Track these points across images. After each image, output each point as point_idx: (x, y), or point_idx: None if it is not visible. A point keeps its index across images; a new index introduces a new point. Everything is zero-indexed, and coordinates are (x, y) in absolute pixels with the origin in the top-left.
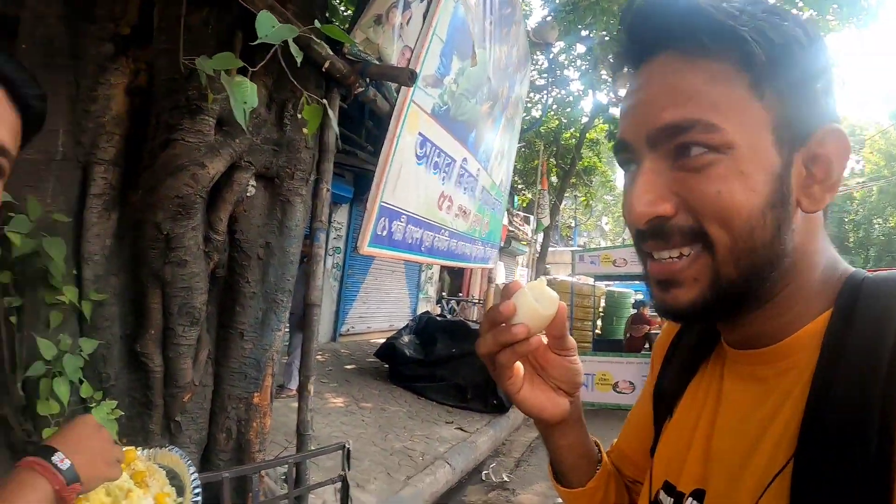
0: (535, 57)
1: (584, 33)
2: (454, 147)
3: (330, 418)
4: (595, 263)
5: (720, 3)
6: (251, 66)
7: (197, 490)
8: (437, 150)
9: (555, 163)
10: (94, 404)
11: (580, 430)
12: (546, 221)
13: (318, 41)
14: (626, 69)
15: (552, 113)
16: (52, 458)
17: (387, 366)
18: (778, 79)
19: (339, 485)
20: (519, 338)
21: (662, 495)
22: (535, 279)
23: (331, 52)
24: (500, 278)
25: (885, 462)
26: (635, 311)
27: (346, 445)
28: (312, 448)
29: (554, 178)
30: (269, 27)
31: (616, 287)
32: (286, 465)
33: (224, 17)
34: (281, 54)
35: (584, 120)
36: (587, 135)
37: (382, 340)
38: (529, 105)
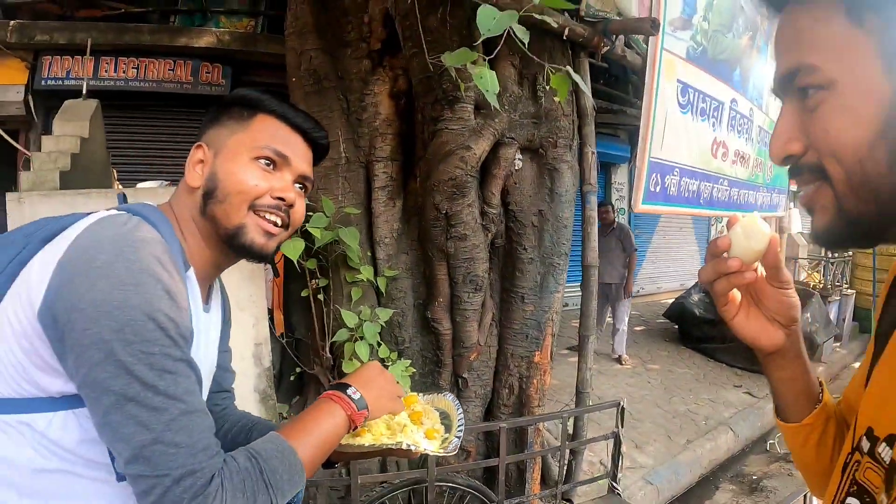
0: None
1: None
2: (719, 89)
3: (616, 379)
4: None
5: None
6: (489, 55)
7: (461, 430)
8: (701, 95)
9: None
10: (390, 363)
11: (799, 364)
12: None
13: (549, 12)
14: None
15: None
16: (347, 391)
17: (676, 327)
18: (878, 2)
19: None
20: (732, 269)
21: (864, 441)
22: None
23: (568, 19)
24: (796, 227)
25: None
26: None
27: (621, 403)
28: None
29: None
30: (490, 20)
31: None
32: (561, 419)
33: (456, 13)
34: (514, 35)
35: None
36: None
37: (672, 300)
38: None
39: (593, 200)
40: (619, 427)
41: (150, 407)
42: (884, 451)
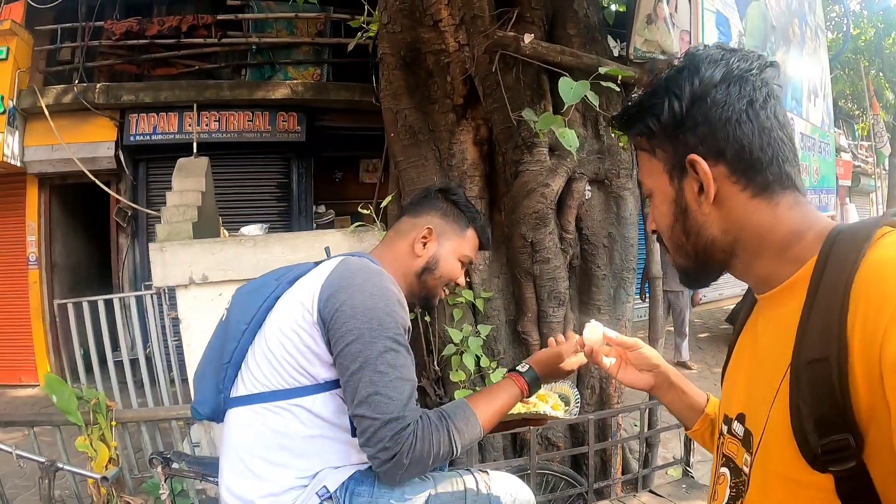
0: None
1: None
2: None
3: None
4: None
5: (630, 102)
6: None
7: (577, 403)
8: None
9: (884, 78)
10: (490, 371)
11: (674, 391)
12: (886, 150)
13: (608, 65)
14: None
15: (864, 21)
16: (527, 375)
17: None
18: (656, 140)
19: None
20: (588, 355)
21: (723, 426)
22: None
23: (620, 65)
24: (854, 219)
25: (843, 369)
26: None
27: None
28: None
29: (890, 96)
30: (568, 90)
31: None
32: (639, 410)
33: (528, 71)
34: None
35: None
36: None
37: (733, 306)
38: (834, 20)
39: None
40: None
41: (378, 371)
42: (737, 427)
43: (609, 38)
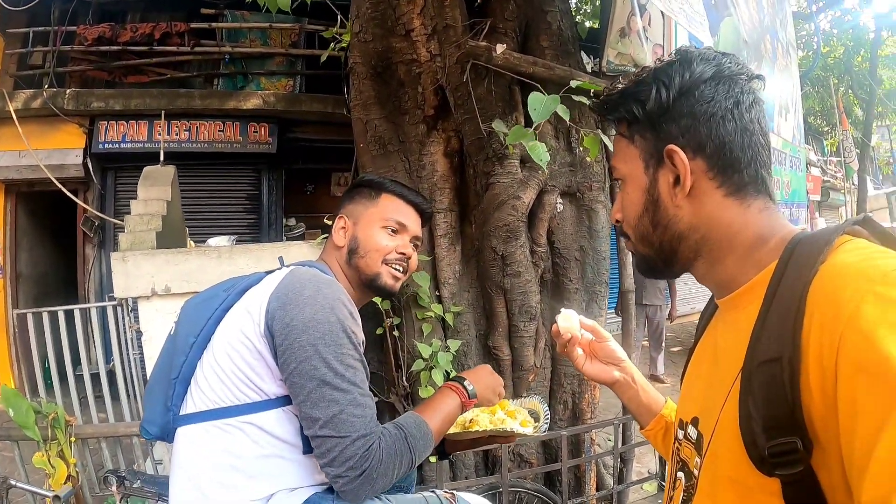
0: None
1: None
2: None
3: None
4: None
5: (616, 87)
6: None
7: (547, 419)
8: None
9: (853, 95)
10: None
11: (634, 389)
12: (855, 165)
13: (581, 78)
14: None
15: (834, 40)
16: (464, 383)
17: None
18: (638, 126)
19: None
20: (565, 341)
21: (678, 431)
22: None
23: (594, 78)
24: None
25: (795, 370)
26: None
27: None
28: None
29: (859, 112)
30: (538, 105)
31: None
32: (613, 426)
33: (500, 82)
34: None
35: (871, 36)
36: (879, 52)
37: None
38: (805, 38)
39: None
40: None
41: (340, 389)
42: (691, 431)
43: (582, 53)
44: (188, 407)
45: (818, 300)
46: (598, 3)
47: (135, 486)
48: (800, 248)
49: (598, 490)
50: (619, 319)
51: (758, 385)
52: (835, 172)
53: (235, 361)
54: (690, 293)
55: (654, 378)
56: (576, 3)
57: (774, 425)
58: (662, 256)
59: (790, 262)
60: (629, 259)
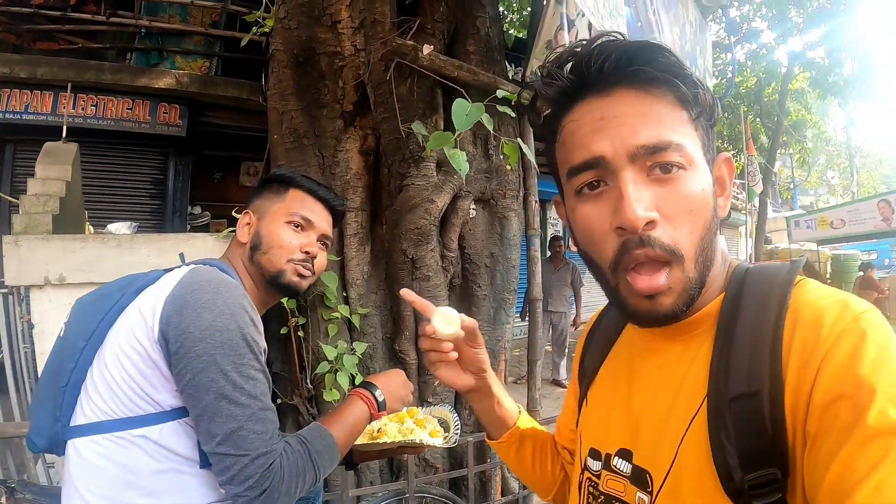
0: (715, 15)
1: None
2: None
3: (558, 402)
4: (811, 227)
5: (662, 50)
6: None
7: (457, 429)
8: None
9: (761, 123)
10: None
11: (490, 399)
12: (758, 188)
13: (505, 88)
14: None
15: (747, 70)
16: (375, 392)
17: None
18: (702, 117)
19: None
20: (441, 348)
21: (590, 461)
22: (753, 249)
23: (515, 87)
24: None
25: (778, 397)
26: (862, 273)
27: None
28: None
29: (765, 139)
30: (463, 113)
31: (845, 250)
32: None
33: (423, 83)
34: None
35: (783, 70)
36: (789, 86)
37: None
38: (720, 67)
39: (537, 243)
40: None
41: (239, 403)
42: (619, 464)
43: (505, 61)
44: (79, 418)
45: (796, 335)
46: (525, 13)
47: (25, 497)
48: (753, 284)
49: (503, 495)
50: (525, 324)
51: (732, 420)
52: (737, 194)
53: (127, 369)
54: (593, 301)
55: (556, 383)
56: (503, 12)
57: (753, 458)
58: (705, 281)
59: (745, 296)
60: (538, 268)
